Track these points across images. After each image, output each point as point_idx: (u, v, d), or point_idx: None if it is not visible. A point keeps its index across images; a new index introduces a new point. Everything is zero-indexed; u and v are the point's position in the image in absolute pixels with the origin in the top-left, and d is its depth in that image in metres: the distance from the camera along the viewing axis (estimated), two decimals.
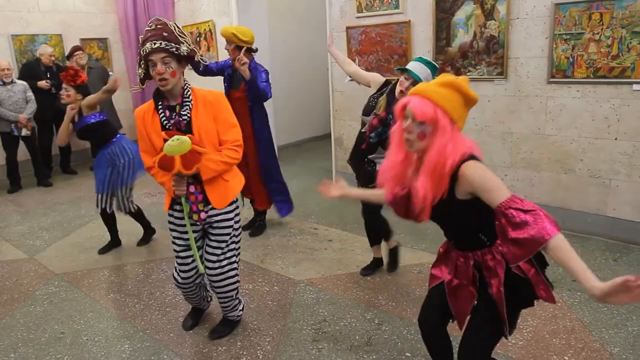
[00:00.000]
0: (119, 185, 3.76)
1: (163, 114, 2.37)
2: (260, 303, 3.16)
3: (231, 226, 2.53)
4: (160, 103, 2.39)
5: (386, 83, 3.21)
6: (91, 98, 3.65)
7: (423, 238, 3.91)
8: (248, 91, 3.86)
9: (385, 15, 4.69)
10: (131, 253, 4.04)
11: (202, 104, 2.36)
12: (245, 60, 3.66)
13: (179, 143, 2.20)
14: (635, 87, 3.48)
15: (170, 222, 2.58)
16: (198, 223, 2.47)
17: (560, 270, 3.35)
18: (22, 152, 6.08)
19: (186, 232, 2.52)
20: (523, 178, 4.15)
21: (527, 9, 3.82)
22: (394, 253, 3.45)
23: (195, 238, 2.51)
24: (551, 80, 3.82)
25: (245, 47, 3.71)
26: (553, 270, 3.35)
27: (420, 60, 2.92)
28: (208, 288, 2.82)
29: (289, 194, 4.33)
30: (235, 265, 2.61)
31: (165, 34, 2.26)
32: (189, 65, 2.43)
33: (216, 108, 2.37)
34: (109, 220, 4.01)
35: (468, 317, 1.84)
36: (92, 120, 3.68)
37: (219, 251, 2.53)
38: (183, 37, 2.32)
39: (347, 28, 4.99)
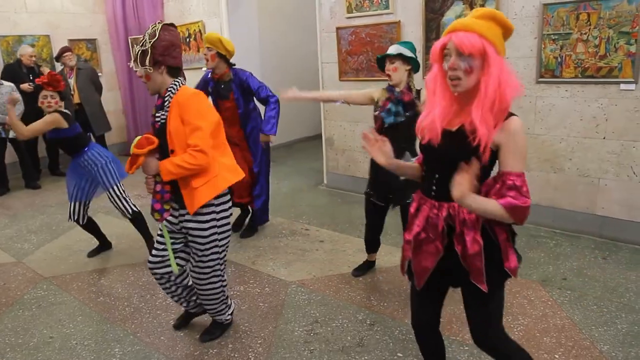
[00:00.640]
0: (110, 187, 3.71)
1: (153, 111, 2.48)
2: (252, 305, 3.15)
3: (208, 236, 2.47)
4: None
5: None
6: (34, 127, 3.58)
7: None
8: (237, 100, 3.89)
9: (375, 15, 4.69)
10: (121, 256, 4.01)
11: (175, 107, 2.35)
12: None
13: (134, 142, 2.40)
14: (622, 86, 3.51)
15: None
16: (158, 221, 2.50)
17: (550, 269, 3.38)
18: (10, 154, 6.01)
19: (177, 231, 2.57)
20: None
21: (516, 9, 3.84)
22: (370, 265, 3.51)
23: (180, 241, 2.58)
24: (540, 80, 3.84)
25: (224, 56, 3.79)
26: (543, 268, 3.39)
27: (398, 43, 2.95)
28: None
29: (268, 204, 4.34)
30: (218, 272, 2.58)
31: (140, 38, 2.39)
32: (162, 68, 2.38)
33: (183, 109, 2.32)
34: (89, 227, 3.95)
35: (427, 276, 1.76)
36: (75, 132, 3.66)
37: (197, 258, 2.52)
38: (142, 41, 2.35)
39: (337, 28, 4.99)
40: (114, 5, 7.37)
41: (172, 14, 7.01)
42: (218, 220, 2.48)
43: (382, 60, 2.97)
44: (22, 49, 6.22)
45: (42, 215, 5.13)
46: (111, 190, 3.72)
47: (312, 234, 4.27)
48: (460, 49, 1.53)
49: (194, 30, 6.64)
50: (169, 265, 2.59)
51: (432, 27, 4.31)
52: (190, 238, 2.50)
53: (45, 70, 6.19)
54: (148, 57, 2.33)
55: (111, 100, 7.37)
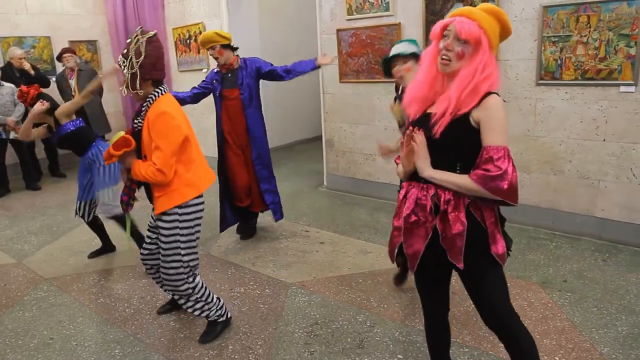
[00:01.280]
0: (103, 187, 3.71)
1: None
2: (252, 306, 3.15)
3: (170, 235, 2.56)
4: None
5: (395, 89, 3.05)
6: (68, 105, 3.62)
7: None
8: (242, 86, 3.89)
9: (376, 17, 4.70)
10: (121, 257, 4.01)
11: (147, 119, 2.45)
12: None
13: (115, 136, 2.52)
14: (622, 89, 3.52)
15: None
16: (124, 211, 2.73)
17: (550, 271, 3.38)
18: (11, 155, 6.01)
19: (154, 227, 2.72)
20: None
21: (516, 11, 3.85)
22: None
23: (150, 229, 2.76)
24: (540, 82, 3.85)
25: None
26: (543, 270, 3.39)
27: (401, 41, 2.88)
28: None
29: (279, 198, 4.31)
30: (182, 275, 2.61)
31: (125, 50, 2.44)
32: (149, 82, 2.48)
33: (151, 126, 2.41)
34: (94, 226, 3.95)
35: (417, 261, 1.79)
36: (71, 128, 3.63)
37: (163, 253, 2.61)
38: (130, 56, 2.41)
39: (338, 30, 4.99)
40: (115, 7, 7.38)
41: (173, 16, 7.02)
42: (181, 229, 2.56)
43: (388, 62, 2.82)
44: (10, 52, 6.19)
45: (43, 216, 5.13)
46: (107, 190, 3.71)
47: (313, 236, 4.27)
48: (459, 32, 1.63)
49: (195, 31, 6.64)
50: (158, 258, 2.72)
51: None
52: (160, 235, 2.61)
53: (27, 65, 6.12)
54: (138, 80, 2.42)
55: (111, 102, 7.37)
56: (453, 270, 1.87)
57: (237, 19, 6.43)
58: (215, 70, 3.98)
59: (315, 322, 2.93)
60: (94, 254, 4.03)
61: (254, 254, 3.95)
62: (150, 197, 2.64)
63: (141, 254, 2.82)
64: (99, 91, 6.64)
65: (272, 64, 3.99)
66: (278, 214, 4.26)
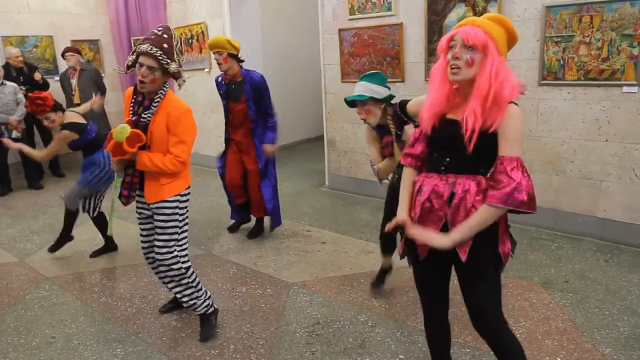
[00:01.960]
0: (83, 185, 3.72)
1: (133, 104, 2.59)
2: (254, 306, 3.15)
3: (170, 215, 2.65)
4: (135, 94, 2.60)
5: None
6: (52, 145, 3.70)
7: None
8: (247, 101, 3.90)
9: (378, 17, 4.70)
10: (123, 256, 4.02)
11: (163, 113, 2.51)
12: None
13: (120, 129, 2.46)
14: (625, 89, 3.51)
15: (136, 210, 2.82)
16: (124, 205, 2.74)
17: (552, 272, 3.38)
18: (13, 155, 6.02)
19: (145, 218, 2.77)
20: None
21: (518, 11, 3.85)
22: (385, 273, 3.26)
23: (143, 221, 2.79)
24: (542, 82, 3.84)
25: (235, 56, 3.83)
26: (545, 271, 3.38)
27: (362, 79, 2.69)
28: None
29: (279, 206, 4.31)
30: (176, 254, 2.68)
31: (165, 45, 2.43)
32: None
33: (173, 121, 2.50)
34: (99, 223, 3.96)
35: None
36: (88, 137, 3.69)
37: (158, 237, 2.67)
38: (178, 57, 2.50)
39: (340, 30, 4.99)
40: (117, 6, 7.39)
41: (175, 15, 7.03)
42: (180, 214, 2.70)
43: (350, 103, 2.73)
44: (7, 51, 6.20)
45: (45, 215, 5.14)
46: (82, 187, 3.74)
47: (314, 236, 4.27)
48: (465, 39, 1.64)
49: (197, 31, 6.65)
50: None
51: (435, 29, 4.31)
52: (156, 219, 2.66)
53: (38, 76, 6.18)
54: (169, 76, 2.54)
55: (113, 101, 7.37)
56: (453, 271, 1.89)
57: (238, 19, 6.44)
58: (219, 80, 4.01)
59: (317, 322, 2.93)
60: (96, 253, 4.03)
61: (256, 253, 3.96)
62: (141, 189, 2.69)
63: (142, 247, 2.87)
64: (102, 91, 6.67)
65: (270, 98, 3.97)
66: (275, 223, 4.28)
